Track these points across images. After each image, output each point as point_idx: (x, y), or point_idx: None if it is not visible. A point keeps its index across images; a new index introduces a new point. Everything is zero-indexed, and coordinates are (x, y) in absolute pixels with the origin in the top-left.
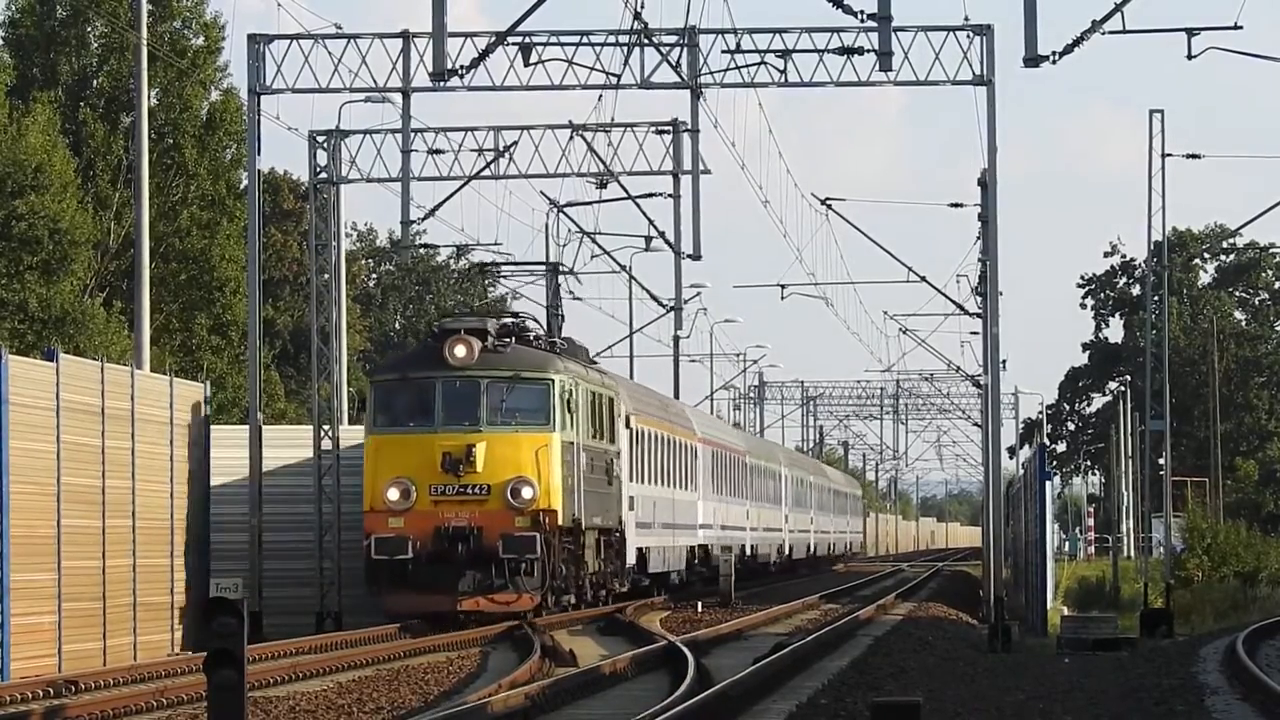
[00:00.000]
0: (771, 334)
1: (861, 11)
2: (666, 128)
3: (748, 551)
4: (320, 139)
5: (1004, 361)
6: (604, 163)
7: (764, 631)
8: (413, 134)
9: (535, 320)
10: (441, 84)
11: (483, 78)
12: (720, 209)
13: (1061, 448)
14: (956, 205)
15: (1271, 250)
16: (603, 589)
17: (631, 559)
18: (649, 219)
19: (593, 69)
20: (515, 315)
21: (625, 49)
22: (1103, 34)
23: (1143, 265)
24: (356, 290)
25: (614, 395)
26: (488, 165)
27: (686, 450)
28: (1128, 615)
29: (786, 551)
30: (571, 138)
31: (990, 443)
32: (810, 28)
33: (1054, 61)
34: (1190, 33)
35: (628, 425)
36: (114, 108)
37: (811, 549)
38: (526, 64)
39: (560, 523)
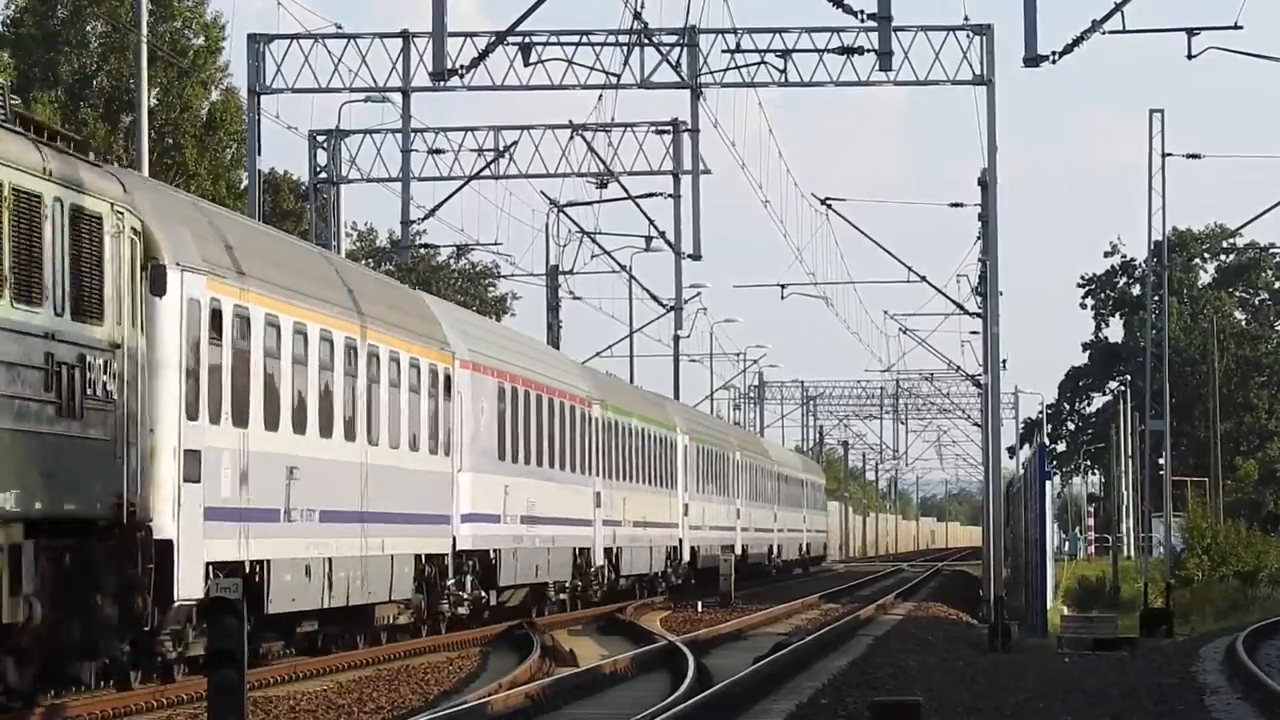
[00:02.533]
0: (771, 334)
1: (861, 11)
2: (666, 128)
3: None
4: (320, 139)
5: (1004, 361)
6: (604, 163)
7: (764, 631)
8: (413, 134)
9: None
10: (441, 84)
11: (483, 78)
12: (720, 209)
13: (1061, 448)
14: (956, 205)
15: (1271, 250)
16: None
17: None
18: (649, 219)
19: (593, 69)
20: None
21: (625, 49)
22: (1103, 34)
23: (1143, 265)
24: None
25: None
26: (488, 165)
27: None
28: (1128, 615)
29: (685, 557)
30: (571, 138)
31: (990, 443)
32: (810, 28)
33: (1054, 61)
34: (1190, 33)
35: None
36: (114, 107)
37: (742, 552)
38: (526, 64)
39: None
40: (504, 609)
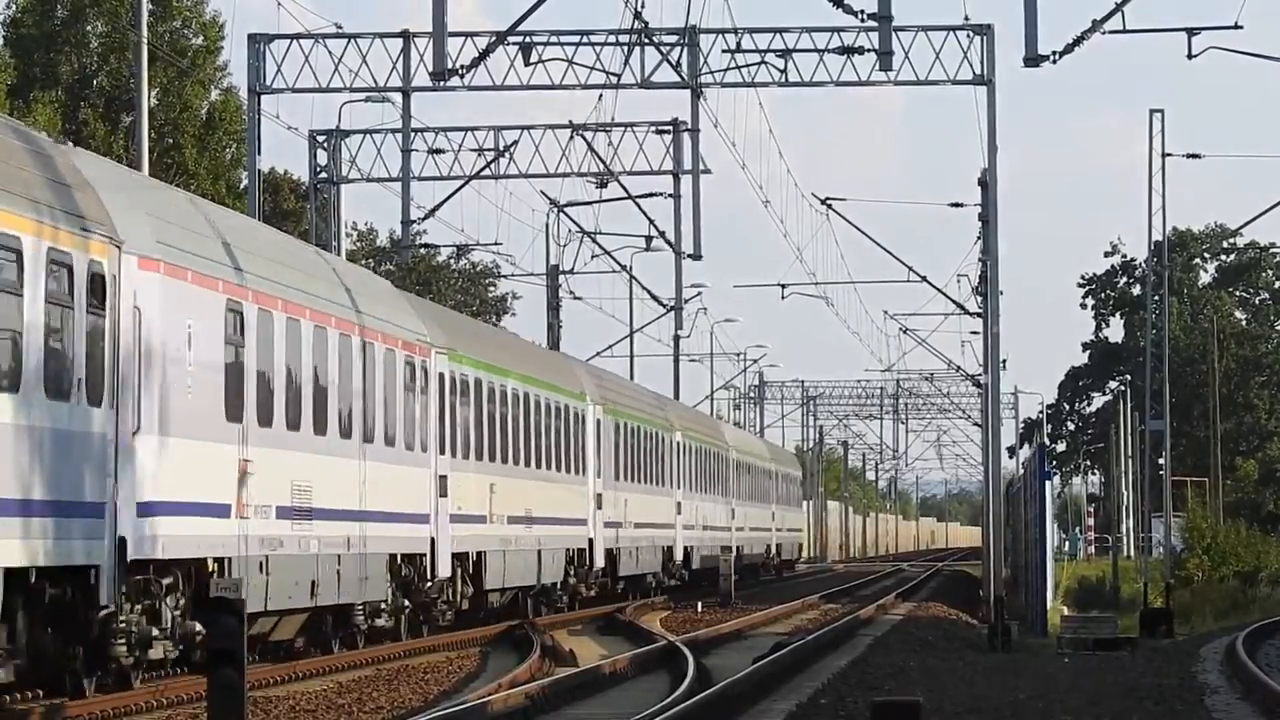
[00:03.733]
0: (771, 334)
1: (861, 11)
2: (666, 128)
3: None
4: (320, 139)
5: (1004, 361)
6: (604, 163)
7: (764, 631)
8: (413, 134)
9: None
10: (441, 84)
11: (483, 78)
12: (720, 209)
13: (1061, 447)
14: (956, 205)
15: (1271, 250)
16: None
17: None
18: (649, 219)
19: (593, 69)
20: None
21: (625, 49)
22: (1103, 34)
23: (1143, 265)
24: None
25: None
26: (488, 165)
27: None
28: (1128, 615)
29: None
30: (571, 138)
31: (990, 442)
32: (810, 27)
33: (1054, 61)
34: (1190, 33)
35: None
36: (114, 107)
37: (685, 556)
38: (527, 64)
39: None
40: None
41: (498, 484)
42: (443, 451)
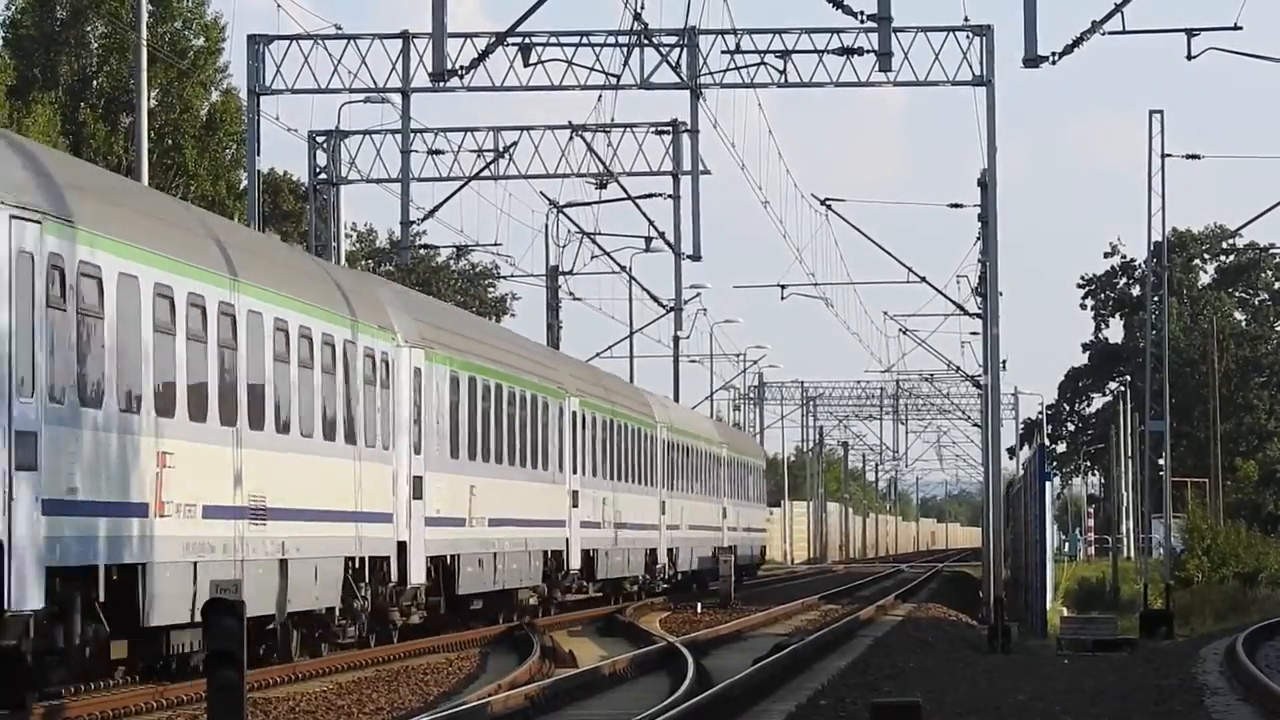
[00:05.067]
0: (771, 334)
1: (861, 12)
2: (666, 128)
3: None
4: (320, 139)
5: (1004, 361)
6: (604, 163)
7: (764, 632)
8: (412, 134)
9: None
10: (441, 84)
11: (483, 78)
12: (720, 209)
13: (1061, 448)
14: (956, 205)
15: (1271, 250)
16: None
17: None
18: (649, 219)
19: (593, 69)
20: None
21: (625, 49)
22: (1103, 34)
23: (1143, 265)
24: None
25: None
26: (488, 165)
27: None
28: (1128, 616)
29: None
30: (571, 138)
31: (990, 443)
32: (810, 28)
33: (1054, 61)
34: (1190, 33)
35: None
36: (114, 108)
37: (586, 560)
38: (526, 64)
39: None
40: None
41: (278, 462)
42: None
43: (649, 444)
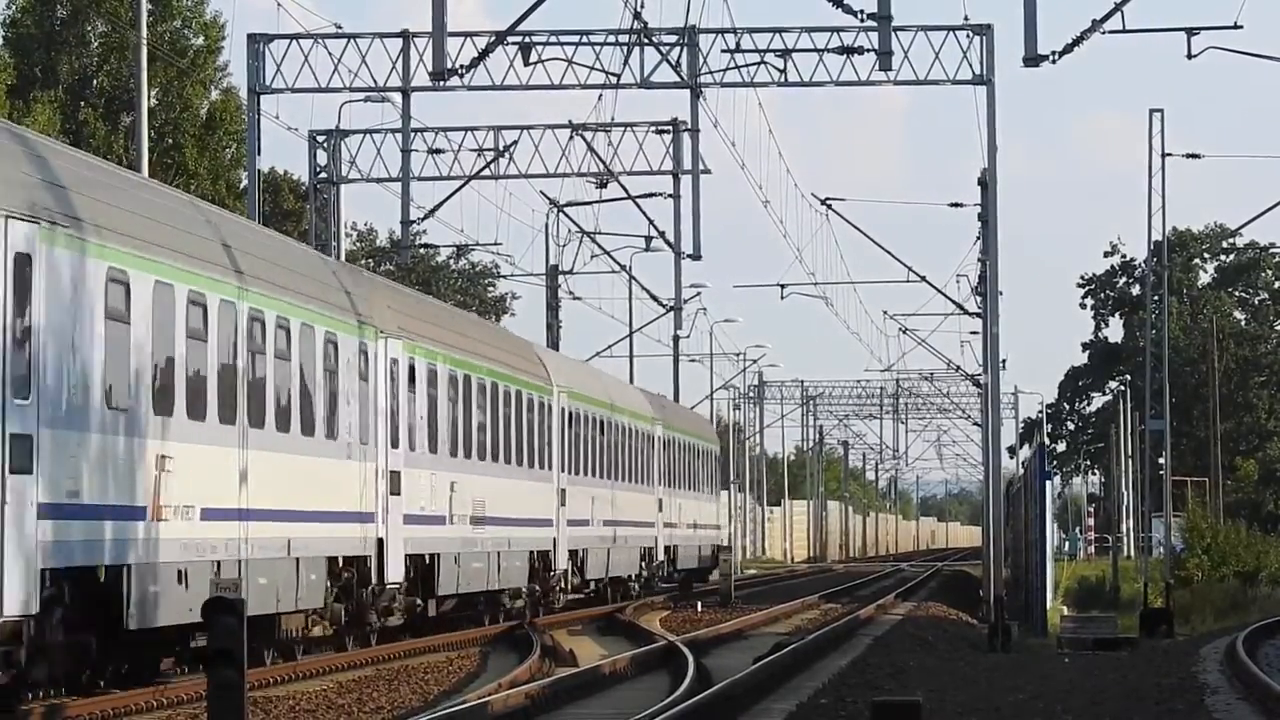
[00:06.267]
0: (771, 334)
1: (861, 11)
2: (666, 128)
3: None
4: (320, 139)
5: (1004, 361)
6: (604, 163)
7: (764, 631)
8: (413, 134)
9: None
10: (441, 84)
11: (483, 77)
12: (720, 209)
13: (1061, 447)
14: (956, 205)
15: (1271, 250)
16: None
17: None
18: (649, 219)
19: (593, 69)
20: None
21: (625, 49)
22: (1103, 34)
23: (1143, 265)
24: None
25: None
26: (488, 165)
27: None
28: (1128, 615)
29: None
30: (571, 138)
31: (990, 442)
32: (810, 27)
33: (1054, 61)
34: (1190, 33)
35: None
36: (114, 107)
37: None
38: (526, 64)
39: None
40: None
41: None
42: (394, 445)
43: (541, 415)
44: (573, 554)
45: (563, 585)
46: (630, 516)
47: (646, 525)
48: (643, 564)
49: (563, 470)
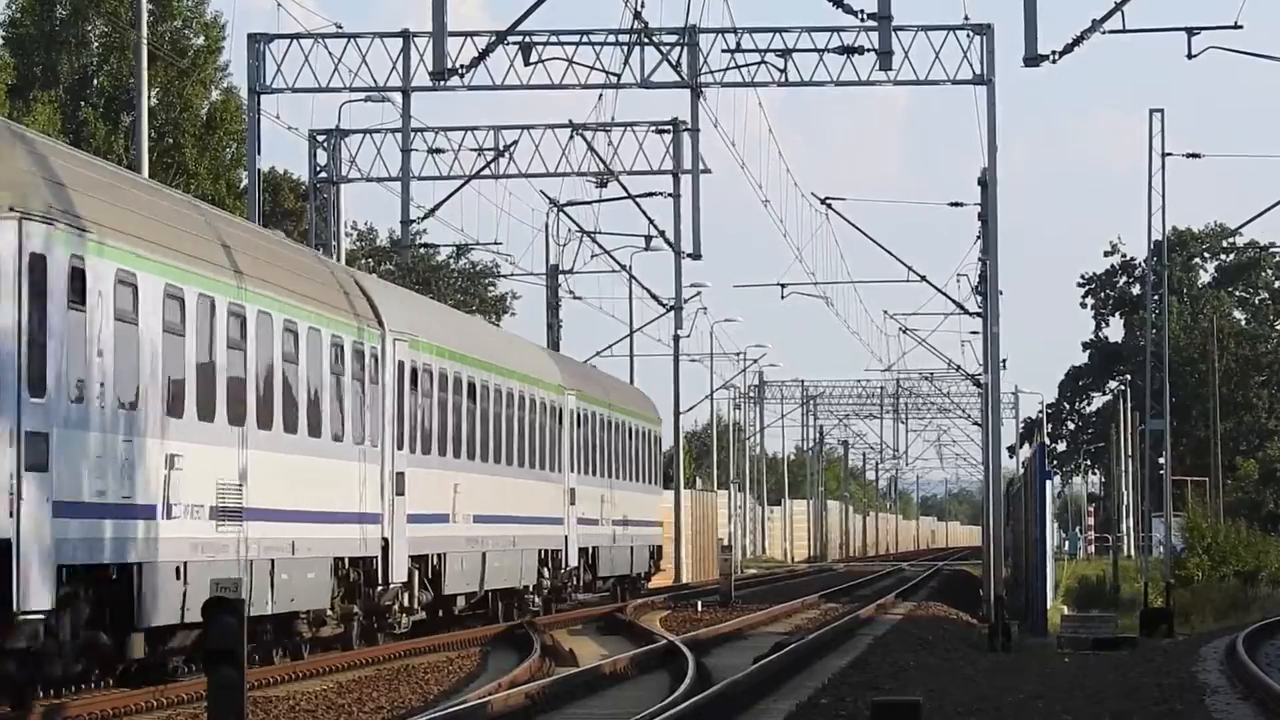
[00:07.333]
0: (771, 334)
1: (861, 11)
2: (666, 127)
3: None
4: (320, 139)
5: (1004, 361)
6: (604, 162)
7: (764, 631)
8: (413, 134)
9: None
10: (441, 84)
11: (483, 77)
12: (720, 209)
13: (1061, 447)
14: (956, 205)
15: (1271, 250)
16: None
17: None
18: (649, 218)
19: (593, 68)
20: None
21: (625, 48)
22: (1103, 33)
23: (1143, 265)
24: None
25: None
26: (488, 165)
27: None
28: (1128, 615)
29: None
30: (571, 137)
31: (990, 442)
32: (810, 27)
33: (1054, 61)
34: (1190, 32)
35: None
36: (114, 107)
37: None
38: (527, 63)
39: None
40: None
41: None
42: (400, 446)
43: (365, 367)
44: (419, 560)
45: (403, 605)
46: (523, 511)
47: (550, 522)
48: (544, 570)
49: (397, 449)
